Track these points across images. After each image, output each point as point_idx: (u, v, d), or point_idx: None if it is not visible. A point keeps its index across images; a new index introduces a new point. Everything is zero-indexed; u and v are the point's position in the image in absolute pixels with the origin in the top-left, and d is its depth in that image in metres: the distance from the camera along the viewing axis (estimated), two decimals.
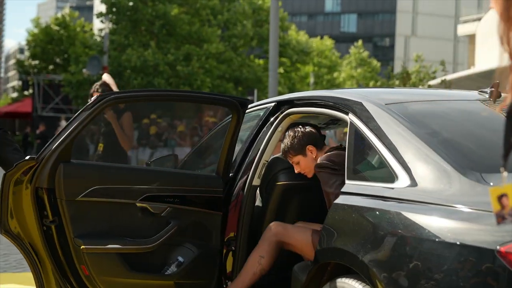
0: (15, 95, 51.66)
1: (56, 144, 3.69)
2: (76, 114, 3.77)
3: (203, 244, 4.02)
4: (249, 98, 28.33)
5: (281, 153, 4.06)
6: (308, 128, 3.99)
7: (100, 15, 30.39)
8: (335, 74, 47.22)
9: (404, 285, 2.50)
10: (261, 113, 4.32)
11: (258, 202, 4.23)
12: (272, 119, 4.19)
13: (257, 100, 27.48)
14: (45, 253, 3.72)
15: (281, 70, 34.84)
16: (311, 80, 40.61)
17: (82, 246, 3.65)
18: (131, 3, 29.27)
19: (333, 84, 45.18)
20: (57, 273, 3.75)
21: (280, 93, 31.00)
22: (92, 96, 6.17)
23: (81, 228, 3.69)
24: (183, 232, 3.95)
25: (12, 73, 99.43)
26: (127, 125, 5.72)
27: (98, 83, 6.53)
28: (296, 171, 3.98)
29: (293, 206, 4.20)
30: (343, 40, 69.68)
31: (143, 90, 4.12)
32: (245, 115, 4.19)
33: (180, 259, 3.93)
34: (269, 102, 4.34)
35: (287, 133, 4.02)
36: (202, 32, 29.32)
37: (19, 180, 3.61)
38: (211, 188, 4.09)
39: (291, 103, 4.13)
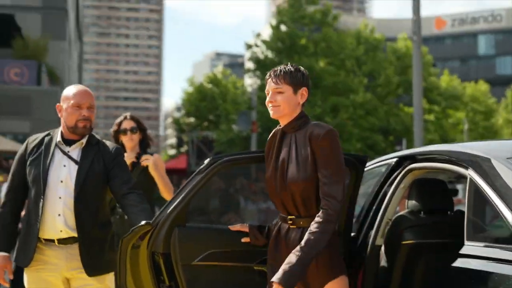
0: (173, 152, 53.90)
1: (170, 209, 3.73)
2: (190, 178, 3.80)
3: None
4: (397, 148, 27.87)
5: (271, 75, 3.53)
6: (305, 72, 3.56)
7: (247, 71, 31.21)
8: (492, 120, 45.38)
9: None
10: (383, 169, 4.17)
11: (383, 263, 4.05)
12: (394, 175, 4.03)
13: None
14: None
15: (431, 117, 33.98)
16: (465, 126, 39.19)
17: None
18: (277, 59, 29.87)
19: (490, 131, 43.42)
20: None
21: (431, 142, 30.18)
22: None
23: None
24: None
25: (169, 131, 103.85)
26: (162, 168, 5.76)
27: None
28: (268, 100, 3.50)
29: (421, 267, 3.97)
30: (499, 83, 67.14)
31: (255, 152, 4.10)
32: (366, 171, 4.05)
33: None
34: (390, 158, 4.19)
35: (289, 64, 3.59)
36: (347, 82, 29.32)
37: (135, 245, 3.66)
38: None
39: (413, 158, 3.95)
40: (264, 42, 30.61)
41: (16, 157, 4.25)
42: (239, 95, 37.81)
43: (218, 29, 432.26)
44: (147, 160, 5.49)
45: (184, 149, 46.86)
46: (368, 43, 31.94)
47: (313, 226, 3.24)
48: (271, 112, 3.51)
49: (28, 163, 4.16)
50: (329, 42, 29.61)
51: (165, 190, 5.53)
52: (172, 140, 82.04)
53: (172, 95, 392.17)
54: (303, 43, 29.85)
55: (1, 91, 22.41)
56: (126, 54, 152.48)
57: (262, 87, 30.52)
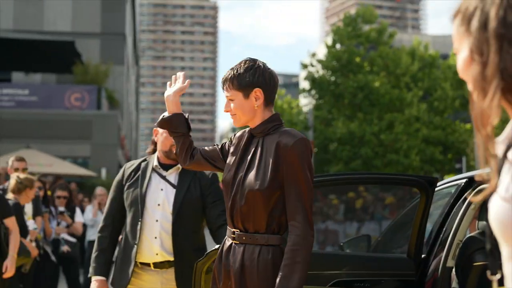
0: None
1: None
2: None
3: None
4: (457, 166, 27.44)
5: (227, 83, 3.14)
6: (272, 71, 3.21)
7: (302, 91, 31.24)
8: None
9: None
10: (452, 190, 4.12)
11: (454, 284, 3.99)
12: (464, 196, 3.97)
13: (466, 168, 26.57)
14: None
15: None
16: None
17: None
18: (332, 78, 29.81)
19: None
20: None
21: None
22: None
23: None
24: None
25: None
26: None
27: None
28: (225, 110, 3.20)
29: None
30: None
31: (329, 175, 4.11)
32: (436, 192, 4.01)
33: None
34: (460, 178, 4.13)
35: (243, 61, 3.20)
36: (403, 97, 29.05)
37: (210, 268, 3.69)
38: (402, 271, 3.92)
39: None
40: (319, 61, 30.59)
41: (114, 183, 4.34)
42: (295, 114, 37.81)
43: (272, 50, 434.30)
44: None
45: None
46: (423, 60, 31.62)
47: (285, 256, 2.91)
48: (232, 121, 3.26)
49: (125, 187, 4.25)
50: (385, 60, 29.42)
51: None
52: None
53: (227, 116, 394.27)
54: (358, 61, 29.74)
55: (62, 116, 22.91)
56: None
57: (318, 107, 30.54)
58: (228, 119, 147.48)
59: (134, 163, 4.36)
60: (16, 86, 24.11)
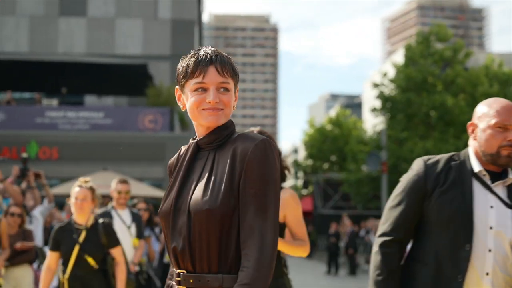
0: None
1: None
2: None
3: None
4: None
5: (212, 61, 2.38)
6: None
7: (374, 110, 30.79)
8: None
9: None
10: None
11: None
12: None
13: None
14: None
15: None
16: None
17: None
18: (404, 97, 29.28)
19: None
20: None
21: None
22: None
23: None
24: None
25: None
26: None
27: None
28: (210, 99, 2.36)
29: None
30: None
31: None
32: None
33: None
34: None
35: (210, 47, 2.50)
36: None
37: None
38: None
39: None
40: (391, 80, 30.12)
41: (408, 183, 3.27)
42: (362, 135, 37.39)
43: (333, 71, 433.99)
44: None
45: (306, 191, 46.74)
46: (497, 78, 30.80)
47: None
48: (208, 119, 2.39)
49: (434, 193, 3.18)
50: (460, 79, 28.75)
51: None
52: (290, 182, 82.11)
53: (288, 138, 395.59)
54: (431, 80, 29.14)
55: (136, 138, 23.07)
56: (243, 98, 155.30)
57: (390, 126, 29.96)
58: (288, 140, 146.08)
59: (439, 160, 3.27)
60: (90, 109, 24.43)
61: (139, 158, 22.80)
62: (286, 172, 4.27)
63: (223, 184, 2.30)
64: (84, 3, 28.12)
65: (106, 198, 14.79)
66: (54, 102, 25.01)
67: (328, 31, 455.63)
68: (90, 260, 5.65)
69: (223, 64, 2.39)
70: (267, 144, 2.32)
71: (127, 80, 25.70)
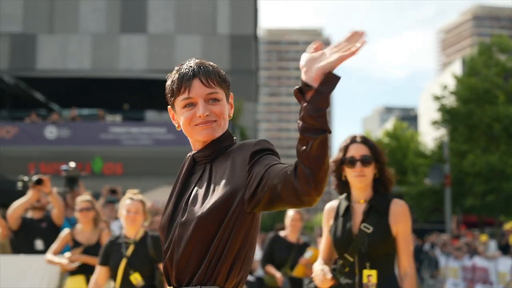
0: None
1: None
2: None
3: None
4: None
5: (195, 73, 2.31)
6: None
7: (435, 123, 30.37)
8: None
9: None
10: None
11: None
12: None
13: None
14: None
15: None
16: None
17: None
18: (466, 109, 28.82)
19: None
20: None
21: None
22: None
23: None
24: None
25: None
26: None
27: None
28: (200, 113, 2.29)
29: None
30: None
31: None
32: None
33: None
34: None
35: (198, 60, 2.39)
36: None
37: None
38: None
39: None
40: (452, 92, 29.69)
41: None
42: (421, 147, 36.92)
43: (388, 83, 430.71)
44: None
45: None
46: None
47: None
48: (202, 134, 2.33)
49: None
50: None
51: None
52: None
53: None
54: (494, 91, 28.63)
55: None
56: (296, 112, 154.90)
57: (452, 138, 29.51)
58: None
59: None
60: (153, 124, 24.71)
61: None
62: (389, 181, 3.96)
63: (220, 192, 2.22)
64: (144, 20, 28.61)
65: None
66: (117, 118, 25.40)
67: (381, 44, 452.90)
68: (137, 276, 5.34)
69: (207, 75, 2.30)
70: (268, 142, 2.28)
71: None
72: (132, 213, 5.52)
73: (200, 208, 2.21)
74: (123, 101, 26.46)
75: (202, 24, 28.57)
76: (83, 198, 6.94)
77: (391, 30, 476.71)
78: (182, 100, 2.31)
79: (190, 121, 2.31)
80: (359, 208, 3.84)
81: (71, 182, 8.16)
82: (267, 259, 7.68)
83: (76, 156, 22.73)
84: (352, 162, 3.81)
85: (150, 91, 25.98)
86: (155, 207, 13.94)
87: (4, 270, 7.06)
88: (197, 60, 2.36)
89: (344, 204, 3.90)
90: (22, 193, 7.52)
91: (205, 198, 2.24)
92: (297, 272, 7.45)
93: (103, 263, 5.46)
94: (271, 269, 7.58)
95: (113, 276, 5.44)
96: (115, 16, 28.71)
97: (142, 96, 26.39)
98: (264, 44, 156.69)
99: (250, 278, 8.77)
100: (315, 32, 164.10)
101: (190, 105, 2.31)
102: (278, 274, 7.47)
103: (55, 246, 6.78)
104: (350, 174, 3.83)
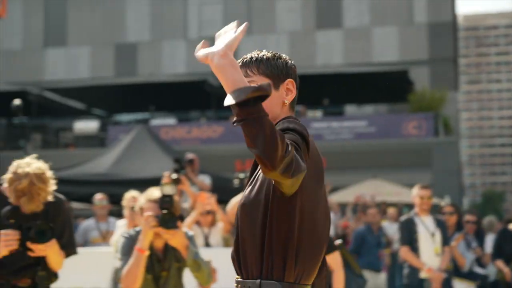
0: None
1: None
2: None
3: None
4: None
5: (252, 66, 2.44)
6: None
7: None
8: None
9: None
10: None
11: None
12: None
13: None
14: None
15: None
16: None
17: None
18: None
19: None
20: None
21: None
22: None
23: None
24: None
25: None
26: None
27: None
28: None
29: None
30: None
31: None
32: None
33: None
34: None
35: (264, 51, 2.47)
36: None
37: None
38: None
39: None
40: None
41: None
42: None
43: None
44: None
45: None
46: None
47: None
48: None
49: None
50: None
51: None
52: None
53: None
54: None
55: (401, 145, 22.88)
56: (499, 99, 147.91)
57: None
58: None
59: None
60: (353, 118, 24.74)
61: (405, 164, 22.56)
62: None
63: (261, 177, 2.25)
64: (339, 14, 28.69)
65: (383, 205, 14.78)
66: (318, 113, 25.69)
67: None
68: None
69: (245, 65, 2.41)
70: (299, 123, 2.34)
71: (387, 87, 25.66)
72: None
73: (248, 193, 2.27)
74: (322, 97, 26.71)
75: (398, 14, 28.06)
76: None
77: None
78: None
79: None
80: None
81: None
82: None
83: None
84: None
85: (348, 85, 26.05)
86: (363, 200, 13.92)
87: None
88: (256, 51, 2.49)
89: None
90: (239, 190, 7.79)
91: (256, 183, 2.28)
92: None
93: None
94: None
95: None
96: (311, 13, 29.05)
97: (341, 90, 26.49)
98: (461, 31, 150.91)
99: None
100: None
101: None
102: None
103: None
104: None
